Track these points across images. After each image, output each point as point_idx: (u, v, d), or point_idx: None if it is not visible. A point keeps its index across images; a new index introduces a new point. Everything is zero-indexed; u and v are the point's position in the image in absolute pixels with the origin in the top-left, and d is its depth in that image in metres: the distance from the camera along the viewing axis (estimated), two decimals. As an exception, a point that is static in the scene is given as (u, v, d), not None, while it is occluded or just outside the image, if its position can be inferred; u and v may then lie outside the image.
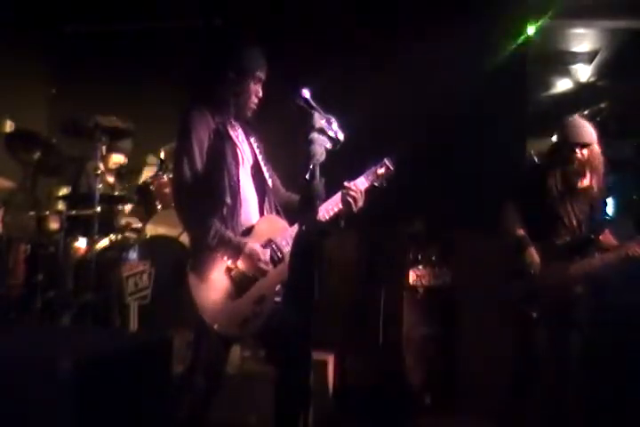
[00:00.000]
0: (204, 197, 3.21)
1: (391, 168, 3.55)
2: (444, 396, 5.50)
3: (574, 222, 4.42)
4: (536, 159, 5.33)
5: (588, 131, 4.36)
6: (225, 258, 3.15)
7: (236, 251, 3.15)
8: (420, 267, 5.76)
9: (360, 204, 3.38)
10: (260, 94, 3.41)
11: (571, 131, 4.36)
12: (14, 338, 2.59)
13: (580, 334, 4.35)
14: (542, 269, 4.31)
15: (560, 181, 4.41)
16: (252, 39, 3.47)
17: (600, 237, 4.39)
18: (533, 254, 4.32)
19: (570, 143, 4.34)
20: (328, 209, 3.33)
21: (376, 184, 3.51)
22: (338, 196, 3.37)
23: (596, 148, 4.37)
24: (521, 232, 4.39)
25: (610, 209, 5.79)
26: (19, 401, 2.03)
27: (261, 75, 3.38)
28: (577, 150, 4.32)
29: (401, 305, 5.70)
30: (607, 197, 4.70)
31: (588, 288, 4.35)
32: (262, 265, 3.17)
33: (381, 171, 3.53)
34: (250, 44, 3.44)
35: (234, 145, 3.34)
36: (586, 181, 4.44)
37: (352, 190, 3.37)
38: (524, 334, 4.41)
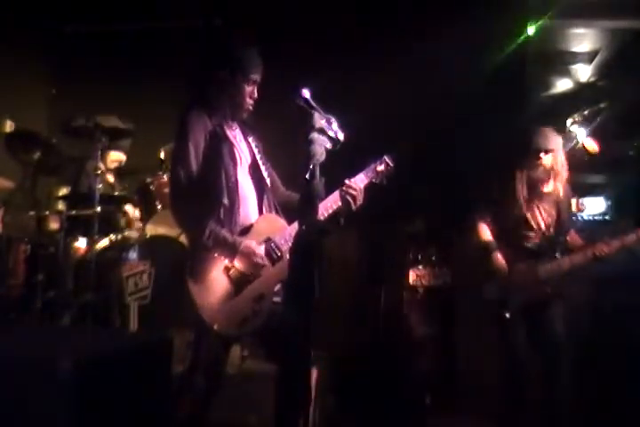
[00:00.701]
0: (201, 197, 3.21)
1: (391, 165, 3.56)
2: (444, 396, 5.50)
3: (542, 225, 4.58)
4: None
5: (553, 138, 4.55)
6: (222, 257, 3.15)
7: (232, 249, 3.16)
8: (420, 267, 5.76)
9: (359, 201, 3.38)
10: (255, 96, 3.41)
11: (535, 138, 4.54)
12: (14, 338, 2.59)
13: (553, 333, 4.48)
14: (512, 271, 4.47)
15: (526, 186, 4.57)
16: (249, 40, 3.46)
17: (567, 238, 4.61)
18: (499, 259, 4.51)
19: (534, 149, 4.51)
20: (327, 207, 3.33)
21: (376, 181, 3.51)
22: (337, 193, 3.36)
23: (560, 154, 4.57)
24: (488, 237, 4.60)
25: (609, 209, 5.80)
26: (19, 401, 2.03)
27: (256, 77, 3.37)
28: (541, 156, 4.50)
29: (401, 305, 5.70)
30: (571, 206, 4.90)
31: (559, 289, 4.50)
32: (258, 260, 3.18)
33: (381, 168, 3.53)
34: (246, 45, 3.43)
35: (231, 145, 3.34)
36: (550, 186, 4.61)
37: (351, 188, 3.37)
38: (499, 333, 4.55)
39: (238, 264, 3.16)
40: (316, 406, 3.84)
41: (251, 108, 3.43)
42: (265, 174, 3.45)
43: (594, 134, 5.38)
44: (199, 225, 3.15)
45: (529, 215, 4.56)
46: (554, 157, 4.53)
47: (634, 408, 4.75)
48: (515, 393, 4.47)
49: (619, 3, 5.82)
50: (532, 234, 4.57)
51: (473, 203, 4.78)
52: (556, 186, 4.61)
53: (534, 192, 4.59)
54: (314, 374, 5.00)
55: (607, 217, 5.68)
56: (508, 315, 4.41)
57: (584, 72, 6.67)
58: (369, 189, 3.46)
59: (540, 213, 4.60)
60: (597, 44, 6.38)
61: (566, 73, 6.72)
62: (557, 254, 4.51)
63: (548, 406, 4.38)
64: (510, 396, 4.49)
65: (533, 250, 4.55)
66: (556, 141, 4.55)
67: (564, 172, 4.60)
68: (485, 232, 4.62)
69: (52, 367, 2.01)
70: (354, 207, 3.37)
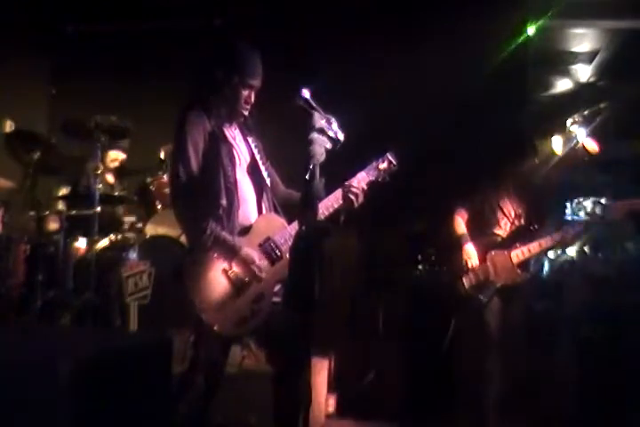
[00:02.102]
0: (200, 198, 3.20)
1: (394, 162, 3.52)
2: (443, 396, 5.49)
3: (513, 215, 4.94)
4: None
5: (546, 140, 5.09)
6: (221, 258, 3.14)
7: (232, 252, 3.15)
8: (420, 267, 5.76)
9: (361, 200, 3.37)
10: (252, 101, 3.36)
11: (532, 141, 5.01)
12: (14, 338, 2.59)
13: (522, 314, 4.97)
14: (486, 258, 4.82)
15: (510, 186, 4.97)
16: (249, 42, 3.43)
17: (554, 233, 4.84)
18: (470, 250, 4.86)
19: (532, 152, 4.95)
20: (328, 206, 3.31)
21: (378, 179, 3.49)
22: (338, 192, 3.35)
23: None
24: (461, 231, 4.95)
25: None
26: (18, 401, 2.03)
27: (255, 82, 3.32)
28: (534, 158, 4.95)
29: (401, 305, 5.69)
30: (549, 199, 5.28)
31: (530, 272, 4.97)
32: (257, 271, 3.17)
33: (383, 165, 3.49)
34: (248, 49, 3.40)
35: (230, 145, 3.33)
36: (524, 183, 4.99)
37: (353, 187, 3.35)
38: (476, 319, 4.83)
39: (236, 268, 3.16)
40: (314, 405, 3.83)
41: (246, 112, 3.39)
42: (264, 174, 3.44)
43: (594, 134, 5.39)
44: (199, 225, 3.14)
45: (502, 205, 4.93)
46: (547, 158, 5.06)
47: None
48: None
49: (619, 3, 5.82)
50: (503, 222, 4.92)
51: (450, 195, 5.14)
52: (529, 181, 4.97)
53: (509, 184, 4.97)
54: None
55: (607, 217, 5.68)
56: (483, 298, 4.74)
57: (584, 72, 6.68)
58: (370, 186, 3.44)
59: (511, 203, 4.94)
60: (597, 45, 6.39)
61: (566, 73, 6.73)
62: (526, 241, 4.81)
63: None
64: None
65: (505, 237, 4.89)
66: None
67: (547, 171, 5.04)
68: (460, 225, 4.97)
69: (51, 367, 2.01)
70: (355, 205, 3.36)
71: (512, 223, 4.92)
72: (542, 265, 5.69)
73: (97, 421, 2.14)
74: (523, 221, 4.93)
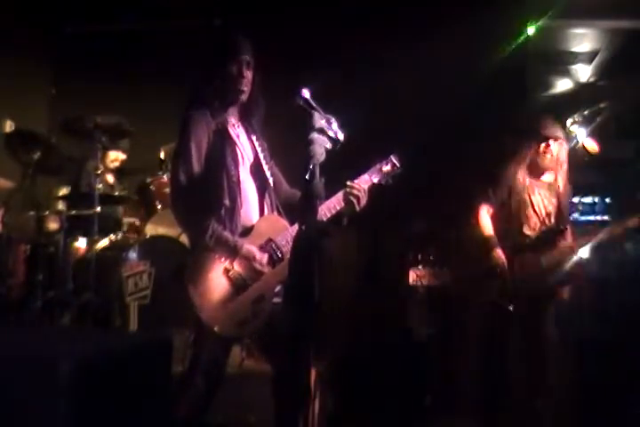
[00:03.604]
0: (202, 198, 3.19)
1: (397, 165, 3.50)
2: (443, 396, 5.50)
3: (542, 212, 4.62)
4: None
5: (557, 129, 4.64)
6: (222, 258, 3.14)
7: (233, 252, 3.15)
8: (420, 267, 5.76)
9: (363, 202, 3.35)
10: (249, 76, 3.33)
11: (543, 126, 4.63)
12: (14, 338, 2.59)
13: (556, 326, 4.55)
14: (514, 263, 4.47)
15: (528, 173, 4.64)
16: (245, 35, 3.44)
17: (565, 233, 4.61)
18: (500, 256, 4.47)
19: (542, 136, 4.58)
20: (330, 207, 3.30)
21: (381, 182, 3.47)
22: (340, 194, 3.34)
23: (565, 145, 4.64)
24: (489, 233, 4.58)
25: (609, 209, 5.82)
26: (18, 401, 2.03)
27: (246, 57, 3.31)
28: (549, 143, 4.57)
29: (401, 305, 5.70)
30: (573, 196, 4.95)
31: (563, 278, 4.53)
32: (258, 266, 3.17)
33: (387, 168, 3.47)
34: (234, 34, 3.42)
35: (233, 144, 3.33)
36: (551, 176, 4.69)
37: (355, 189, 3.34)
38: (501, 331, 4.59)
39: (238, 267, 3.16)
40: (316, 405, 3.83)
41: (245, 89, 3.34)
42: (268, 173, 3.42)
43: (594, 134, 5.38)
44: (200, 225, 3.14)
45: (530, 201, 4.60)
46: (560, 146, 4.60)
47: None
48: (506, 391, 4.59)
49: (619, 3, 5.82)
50: (533, 221, 4.59)
51: (473, 192, 4.78)
52: (557, 176, 4.67)
53: (537, 179, 4.66)
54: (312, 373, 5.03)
55: (607, 217, 5.69)
56: (511, 308, 4.41)
57: (584, 72, 6.68)
58: (373, 189, 3.43)
59: (542, 200, 4.63)
60: (597, 45, 6.39)
61: (566, 73, 6.73)
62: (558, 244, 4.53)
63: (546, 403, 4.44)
64: (500, 394, 4.62)
65: (535, 239, 4.57)
66: (561, 132, 4.64)
67: (565, 164, 4.65)
68: (486, 225, 4.62)
69: (51, 368, 2.01)
70: (357, 208, 3.34)
71: (542, 223, 4.62)
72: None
73: (97, 421, 2.14)
74: (553, 221, 4.64)
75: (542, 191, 4.65)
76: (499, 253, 4.49)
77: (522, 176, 4.61)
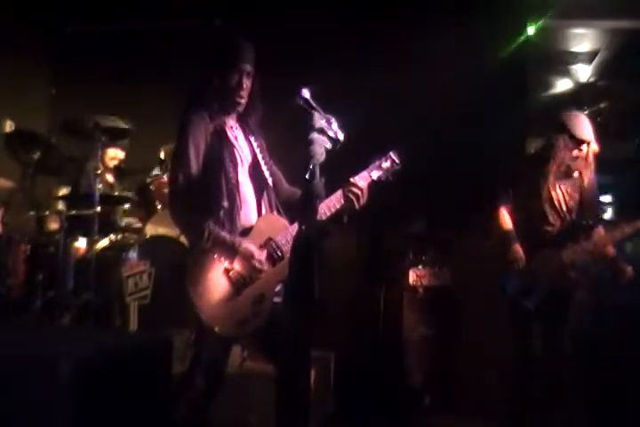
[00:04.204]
0: (200, 199, 3.20)
1: (397, 162, 3.49)
2: (443, 396, 5.51)
3: (564, 207, 4.54)
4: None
5: (590, 128, 4.47)
6: (222, 259, 3.14)
7: (232, 250, 3.15)
8: (420, 267, 5.76)
9: (363, 200, 3.35)
10: (248, 87, 3.34)
11: (577, 127, 4.46)
12: (14, 338, 2.59)
13: (578, 326, 4.53)
14: (535, 258, 4.40)
15: (555, 171, 4.52)
16: (245, 36, 3.44)
17: (593, 231, 4.49)
18: (518, 251, 4.43)
19: (577, 139, 4.44)
20: (330, 206, 3.29)
21: (381, 178, 3.46)
22: (340, 192, 3.34)
23: (594, 144, 4.50)
24: (508, 227, 4.53)
25: (610, 209, 5.81)
26: (18, 401, 2.03)
27: (247, 67, 3.32)
28: (581, 147, 4.45)
29: (401, 305, 5.70)
30: (598, 193, 4.76)
31: (584, 274, 4.45)
32: (257, 264, 3.17)
33: (386, 164, 3.47)
34: (233, 38, 3.41)
35: (231, 146, 3.33)
36: (577, 173, 4.58)
37: (355, 186, 3.33)
38: (521, 329, 4.49)
39: (238, 266, 3.16)
40: (315, 405, 3.84)
41: (242, 100, 3.36)
42: (266, 174, 3.43)
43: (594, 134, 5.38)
44: (198, 227, 3.14)
45: (550, 196, 4.52)
46: (589, 146, 4.49)
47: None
48: (526, 392, 4.47)
49: (618, 3, 5.82)
50: (553, 217, 4.53)
51: (494, 190, 4.71)
52: (581, 174, 4.58)
53: (561, 176, 4.56)
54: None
55: (608, 217, 5.69)
56: (531, 307, 4.36)
57: (584, 72, 6.69)
58: (373, 186, 3.43)
59: (564, 195, 4.55)
60: (597, 45, 6.39)
61: (566, 73, 6.74)
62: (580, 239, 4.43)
63: (561, 404, 4.39)
64: (520, 394, 4.49)
65: (555, 234, 4.50)
66: (592, 131, 4.49)
67: (593, 163, 4.57)
68: (506, 221, 4.57)
69: (52, 367, 2.01)
70: (357, 206, 3.33)
71: (563, 218, 4.54)
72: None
73: (97, 421, 2.14)
74: (574, 216, 4.55)
75: (563, 187, 4.57)
76: (517, 248, 4.44)
77: (551, 178, 4.53)
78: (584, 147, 4.45)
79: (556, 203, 4.52)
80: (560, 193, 4.54)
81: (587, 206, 4.59)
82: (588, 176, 4.57)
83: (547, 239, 4.47)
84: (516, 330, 4.53)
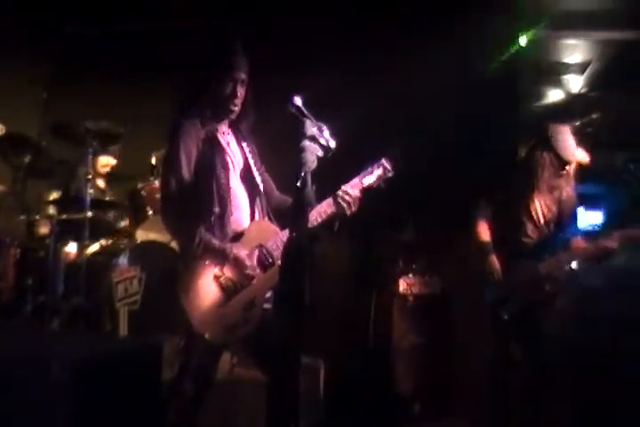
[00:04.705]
0: (191, 205, 3.20)
1: (389, 168, 3.49)
2: (433, 403, 5.51)
3: (541, 220, 4.58)
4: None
5: (574, 144, 4.51)
6: (212, 265, 3.14)
7: (222, 257, 3.15)
8: (410, 275, 5.76)
9: (354, 207, 3.34)
10: (241, 95, 3.35)
11: (564, 147, 4.49)
12: (4, 342, 2.59)
13: (553, 335, 4.47)
14: (512, 269, 4.45)
15: (536, 186, 4.56)
16: (237, 41, 3.44)
17: (572, 242, 4.54)
18: (494, 263, 4.49)
19: (563, 161, 4.47)
20: (321, 212, 3.29)
21: (373, 185, 3.45)
22: (331, 198, 3.33)
23: (582, 156, 4.56)
24: (485, 239, 4.60)
25: (599, 219, 5.83)
26: (9, 406, 2.03)
27: (240, 75, 3.32)
28: (567, 167, 4.50)
29: (391, 313, 5.70)
30: (577, 206, 4.79)
31: (559, 286, 4.42)
32: (248, 271, 3.17)
33: (378, 171, 3.46)
34: (230, 45, 3.41)
35: (223, 152, 3.34)
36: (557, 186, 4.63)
37: (346, 193, 3.34)
38: (501, 337, 4.59)
39: (228, 272, 3.16)
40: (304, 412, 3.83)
41: (236, 108, 3.37)
42: (258, 180, 3.43)
43: (585, 145, 5.40)
44: (189, 233, 3.14)
45: (531, 208, 4.56)
46: (572, 165, 4.54)
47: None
48: (505, 397, 4.56)
49: (610, 14, 5.85)
50: (532, 229, 4.57)
51: (473, 202, 4.76)
52: (562, 188, 4.61)
53: (540, 189, 4.59)
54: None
55: (598, 228, 5.70)
56: (506, 316, 4.42)
57: (576, 83, 6.71)
58: (364, 193, 3.43)
59: (542, 208, 4.58)
60: (589, 55, 6.42)
61: (558, 83, 6.75)
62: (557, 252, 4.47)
63: (540, 410, 4.37)
64: (499, 400, 4.59)
65: (533, 246, 4.54)
66: (577, 149, 4.53)
67: (574, 178, 4.63)
68: (484, 233, 4.62)
69: (41, 372, 2.01)
70: (348, 212, 3.34)
71: (541, 231, 4.59)
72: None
73: (86, 425, 2.14)
74: (552, 228, 4.61)
75: (543, 200, 4.61)
76: (493, 259, 4.51)
77: (533, 193, 4.58)
78: (568, 167, 4.50)
79: (534, 215, 4.57)
80: (539, 206, 4.58)
81: (565, 219, 4.63)
82: (567, 190, 4.62)
83: (525, 251, 4.52)
84: (497, 337, 4.61)
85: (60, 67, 7.16)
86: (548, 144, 4.51)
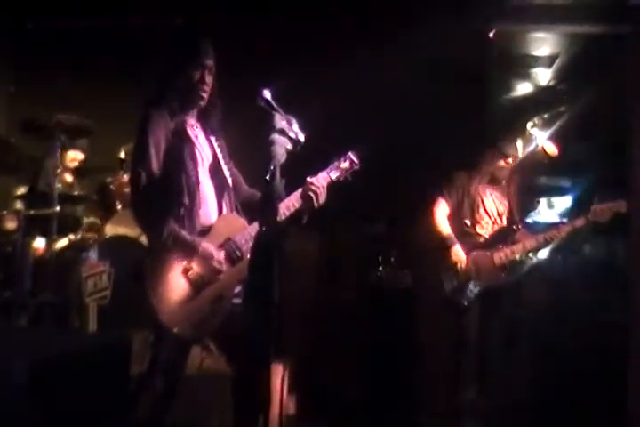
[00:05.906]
0: (160, 197, 3.18)
1: (356, 162, 3.50)
2: (405, 396, 5.52)
3: (495, 213, 4.97)
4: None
5: (515, 144, 5.10)
6: (181, 259, 3.13)
7: (191, 250, 3.14)
8: (381, 269, 5.78)
9: (321, 199, 3.34)
10: (209, 82, 3.33)
11: (505, 144, 5.00)
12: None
13: (505, 319, 4.94)
14: (468, 260, 4.81)
15: (485, 181, 5.02)
16: (202, 30, 3.45)
17: (517, 234, 4.93)
18: (459, 252, 4.81)
19: (504, 154, 4.95)
20: (289, 206, 3.29)
21: (339, 178, 3.45)
22: (298, 192, 3.34)
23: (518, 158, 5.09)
24: (447, 232, 4.91)
25: (567, 210, 5.90)
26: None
27: (206, 61, 3.30)
28: (508, 160, 4.97)
29: (362, 307, 5.71)
30: (525, 199, 5.30)
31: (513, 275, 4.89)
32: (216, 264, 3.16)
33: (345, 165, 3.47)
34: (190, 33, 3.45)
35: (192, 145, 3.32)
36: (505, 182, 5.07)
37: (313, 186, 3.34)
38: (456, 322, 4.88)
39: (197, 267, 3.15)
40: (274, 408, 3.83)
41: (204, 95, 3.34)
42: (227, 174, 3.43)
43: (553, 137, 5.46)
44: (158, 225, 3.12)
45: (482, 202, 4.94)
46: (514, 158, 4.99)
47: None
48: (465, 378, 4.85)
49: (577, 9, 5.89)
50: (485, 221, 4.94)
51: (430, 191, 5.10)
52: (509, 183, 5.05)
53: (491, 183, 5.02)
54: (280, 370, 5.01)
55: (565, 219, 5.74)
56: (465, 302, 4.75)
57: (544, 76, 6.75)
58: (331, 186, 3.43)
59: (493, 201, 4.97)
60: (557, 49, 6.45)
61: (527, 76, 6.79)
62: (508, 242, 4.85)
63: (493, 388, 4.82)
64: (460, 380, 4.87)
65: (486, 238, 4.91)
66: (517, 146, 5.10)
67: (518, 173, 5.08)
68: (444, 226, 4.92)
69: (7, 368, 1.99)
70: (316, 205, 3.33)
71: (494, 223, 4.95)
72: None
73: (53, 422, 2.12)
74: (505, 221, 4.97)
75: (494, 193, 5.00)
76: (458, 249, 4.81)
77: (476, 184, 4.98)
78: (509, 160, 4.94)
79: (487, 208, 4.93)
80: (490, 199, 4.97)
81: (514, 212, 4.99)
82: (515, 184, 5.06)
83: (479, 242, 4.88)
84: (457, 322, 4.87)
85: (25, 62, 7.10)
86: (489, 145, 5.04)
